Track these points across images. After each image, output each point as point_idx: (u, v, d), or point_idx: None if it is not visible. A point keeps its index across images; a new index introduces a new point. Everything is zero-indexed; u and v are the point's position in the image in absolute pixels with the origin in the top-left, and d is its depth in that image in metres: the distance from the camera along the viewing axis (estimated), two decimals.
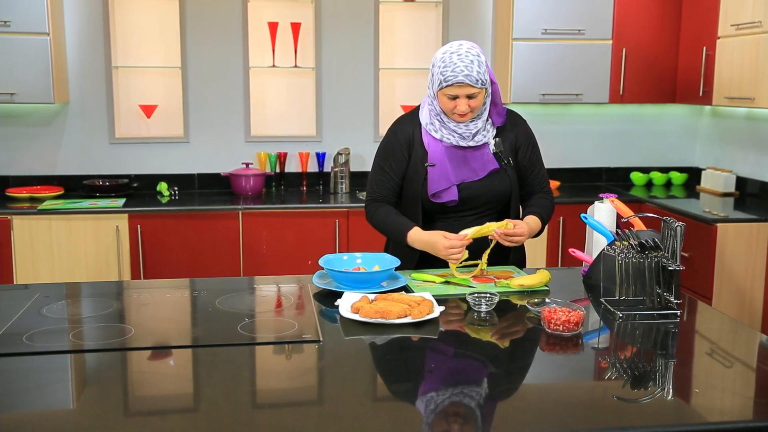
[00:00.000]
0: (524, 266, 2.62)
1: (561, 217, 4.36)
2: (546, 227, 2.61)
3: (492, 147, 2.46)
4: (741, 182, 4.51)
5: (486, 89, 2.38)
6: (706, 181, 4.68)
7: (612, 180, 5.06)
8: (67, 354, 1.76)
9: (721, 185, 4.53)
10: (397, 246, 2.54)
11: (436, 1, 4.72)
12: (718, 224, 3.69)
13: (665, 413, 1.52)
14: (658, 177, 4.95)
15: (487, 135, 2.46)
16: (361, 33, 4.70)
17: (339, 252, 4.17)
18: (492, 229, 2.33)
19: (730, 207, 4.18)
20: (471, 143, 2.44)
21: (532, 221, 2.48)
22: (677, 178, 4.97)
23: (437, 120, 2.44)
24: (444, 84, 2.33)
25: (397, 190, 2.54)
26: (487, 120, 2.47)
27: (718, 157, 4.82)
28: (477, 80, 2.31)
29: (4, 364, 1.69)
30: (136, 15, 4.54)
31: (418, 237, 2.41)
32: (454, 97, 2.34)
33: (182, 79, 4.58)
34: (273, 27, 4.56)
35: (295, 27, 4.59)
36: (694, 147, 5.10)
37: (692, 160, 5.10)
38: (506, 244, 2.37)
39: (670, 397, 1.60)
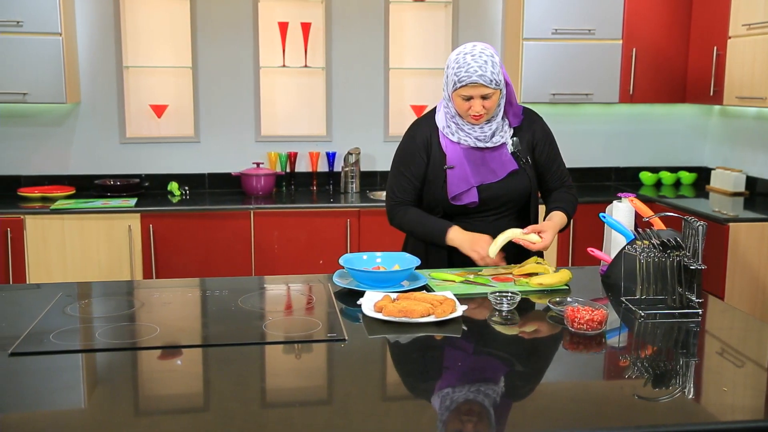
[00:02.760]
0: (543, 257, 2.64)
1: None
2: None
3: (510, 147, 2.47)
4: (751, 182, 4.52)
5: (500, 90, 2.38)
6: (716, 181, 4.69)
7: (621, 180, 5.07)
8: (95, 353, 1.77)
9: (731, 185, 4.53)
10: (416, 245, 2.55)
11: (446, 1, 4.73)
12: (731, 224, 3.69)
13: (688, 412, 1.53)
14: (667, 177, 4.95)
15: (504, 135, 2.47)
16: (371, 33, 4.70)
17: (350, 251, 4.19)
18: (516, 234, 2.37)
19: (740, 206, 4.19)
20: (489, 144, 2.44)
21: (558, 217, 2.49)
22: (686, 177, 4.98)
23: (453, 123, 2.45)
24: (458, 84, 2.33)
25: (418, 193, 2.55)
26: (504, 120, 2.47)
27: (728, 157, 4.83)
28: (491, 80, 2.31)
29: (33, 362, 1.69)
30: (147, 15, 4.55)
31: (459, 236, 2.44)
32: (469, 98, 2.35)
33: (193, 79, 4.59)
34: (283, 27, 4.57)
35: (306, 27, 4.60)
36: (703, 147, 5.11)
37: (701, 159, 5.11)
38: (533, 248, 2.40)
39: (691, 396, 1.60)
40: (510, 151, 2.48)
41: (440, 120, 2.49)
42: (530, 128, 2.53)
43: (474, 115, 2.37)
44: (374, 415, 1.48)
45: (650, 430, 1.42)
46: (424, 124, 2.54)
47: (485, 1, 4.78)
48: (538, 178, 2.58)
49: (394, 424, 1.45)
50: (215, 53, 4.59)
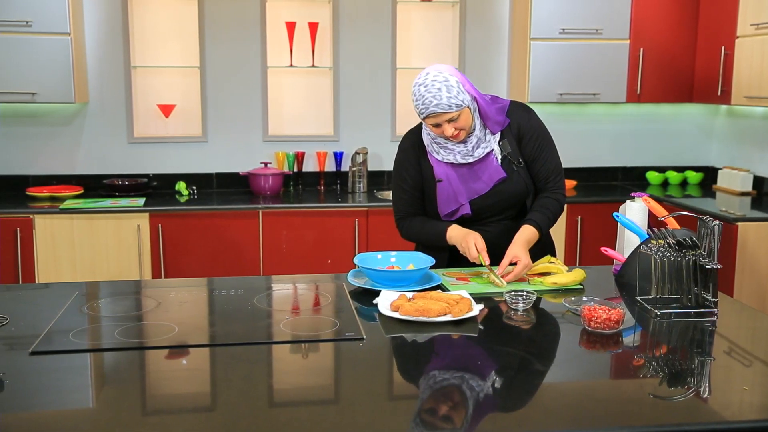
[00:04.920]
0: (555, 254, 2.63)
1: (579, 216, 4.37)
2: (554, 226, 2.56)
3: (498, 154, 2.45)
4: (758, 181, 4.52)
5: (468, 107, 2.34)
6: (723, 181, 4.70)
7: (628, 179, 5.08)
8: (116, 351, 1.77)
9: (739, 184, 4.54)
10: (427, 246, 2.57)
11: (453, 0, 4.73)
12: (739, 223, 3.70)
13: (704, 411, 1.53)
14: (673, 176, 4.96)
15: (488, 145, 2.44)
16: (379, 33, 4.71)
17: (358, 251, 4.20)
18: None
19: (747, 206, 4.19)
20: (470, 159, 2.43)
21: (526, 232, 2.41)
22: (693, 177, 4.98)
23: (435, 143, 2.46)
24: (421, 116, 2.34)
25: (420, 203, 2.56)
26: (485, 130, 2.44)
27: (734, 157, 4.84)
28: (449, 106, 2.28)
29: (54, 361, 1.70)
30: (155, 15, 4.55)
31: (456, 233, 2.44)
32: (437, 125, 2.34)
33: (200, 79, 4.59)
34: (291, 27, 4.58)
35: (313, 27, 4.60)
36: (709, 146, 5.11)
37: (708, 159, 5.12)
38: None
39: (708, 395, 1.61)
40: (500, 157, 2.45)
41: (425, 138, 2.50)
42: (515, 123, 2.47)
43: (450, 137, 2.36)
44: (396, 413, 1.48)
45: (670, 428, 1.42)
46: (414, 137, 2.55)
47: (492, 0, 4.79)
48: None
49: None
50: (223, 53, 4.60)
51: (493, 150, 2.44)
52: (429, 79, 2.30)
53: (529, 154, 2.48)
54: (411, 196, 2.55)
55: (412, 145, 2.54)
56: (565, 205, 2.61)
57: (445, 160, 2.45)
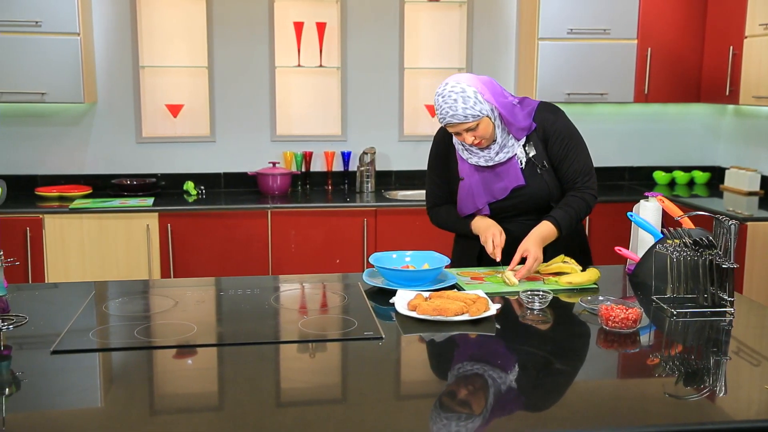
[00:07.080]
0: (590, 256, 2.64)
1: (587, 216, 4.37)
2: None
3: (522, 158, 2.46)
4: (765, 181, 4.52)
5: (488, 116, 2.35)
6: (730, 180, 4.70)
7: (635, 179, 5.08)
8: (137, 350, 1.78)
9: (746, 184, 4.54)
10: (463, 249, 2.62)
11: (461, 0, 4.74)
12: (749, 223, 3.70)
13: (720, 410, 1.53)
14: (680, 176, 4.96)
15: (511, 150, 2.45)
16: (386, 33, 4.72)
17: (367, 251, 4.21)
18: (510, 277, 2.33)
19: (755, 206, 4.19)
20: (491, 163, 2.45)
21: (543, 228, 2.41)
22: (700, 177, 4.99)
23: (461, 146, 2.49)
24: (441, 125, 2.41)
25: (449, 193, 2.61)
26: (509, 136, 2.45)
27: (741, 157, 4.84)
28: (464, 116, 2.30)
29: (75, 360, 1.71)
30: (163, 15, 4.56)
31: (479, 224, 2.51)
32: (458, 133, 2.38)
33: (208, 79, 4.60)
34: (298, 27, 4.59)
35: (321, 27, 4.61)
36: (716, 146, 5.11)
37: (714, 159, 5.12)
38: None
39: (724, 394, 1.61)
40: (524, 161, 2.46)
41: (454, 136, 2.51)
42: (541, 125, 2.48)
43: (471, 144, 2.39)
44: (420, 410, 1.49)
45: (689, 428, 1.43)
46: (445, 130, 2.55)
47: (500, 0, 4.79)
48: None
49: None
50: (231, 53, 4.60)
51: (516, 154, 2.46)
52: (447, 89, 2.33)
53: (555, 156, 2.48)
54: (439, 187, 2.63)
55: (443, 137, 2.59)
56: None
57: (470, 161, 2.48)
